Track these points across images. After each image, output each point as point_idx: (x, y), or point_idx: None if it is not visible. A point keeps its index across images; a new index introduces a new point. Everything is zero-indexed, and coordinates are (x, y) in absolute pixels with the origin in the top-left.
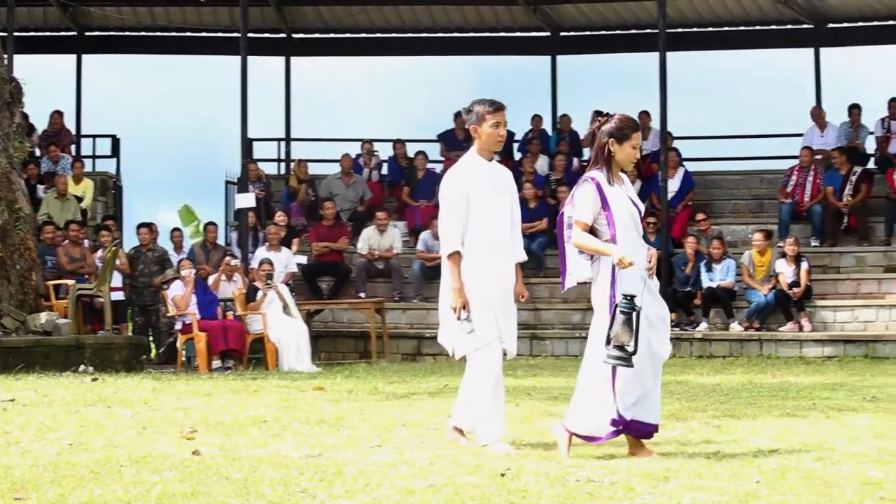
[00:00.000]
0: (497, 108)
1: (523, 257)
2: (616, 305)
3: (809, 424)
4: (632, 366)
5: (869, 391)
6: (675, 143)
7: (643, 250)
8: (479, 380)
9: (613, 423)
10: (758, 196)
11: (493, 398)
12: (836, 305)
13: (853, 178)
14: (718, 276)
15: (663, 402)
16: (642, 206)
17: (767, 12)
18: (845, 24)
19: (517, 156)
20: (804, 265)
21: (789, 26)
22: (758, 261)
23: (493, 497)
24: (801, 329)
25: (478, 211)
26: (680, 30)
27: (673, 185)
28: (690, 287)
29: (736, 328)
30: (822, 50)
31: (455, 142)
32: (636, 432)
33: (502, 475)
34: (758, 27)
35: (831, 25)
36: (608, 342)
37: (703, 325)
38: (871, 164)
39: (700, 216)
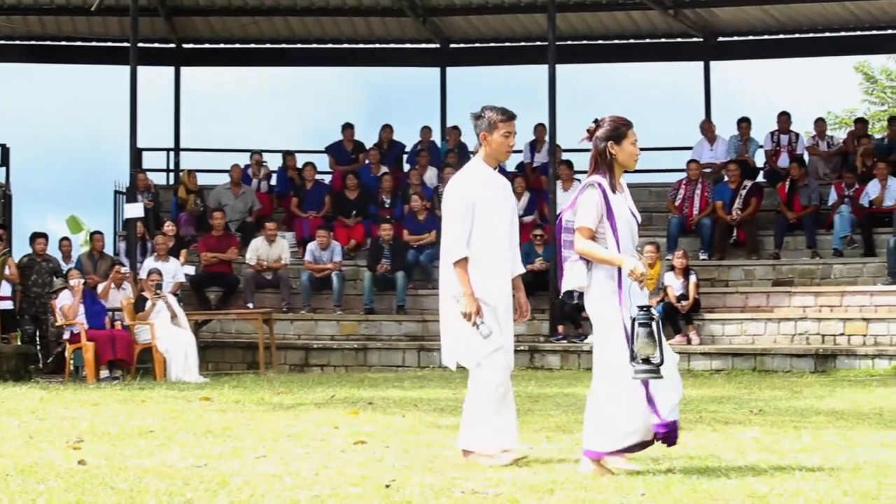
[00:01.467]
0: (510, 116)
1: (522, 270)
2: (634, 319)
3: (696, 437)
4: (661, 377)
5: (756, 404)
6: (566, 156)
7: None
8: (487, 389)
9: (656, 427)
10: (646, 209)
11: (499, 406)
12: (724, 319)
13: (743, 192)
14: None
15: (549, 415)
16: (639, 218)
17: (658, 25)
18: (735, 38)
19: (406, 167)
20: (692, 278)
21: (679, 39)
22: (648, 273)
23: None
24: (689, 342)
25: (482, 220)
26: (570, 42)
27: (566, 199)
28: (578, 299)
29: None
30: (713, 63)
31: (343, 154)
32: (674, 435)
33: (387, 486)
34: (648, 40)
35: (721, 39)
36: (633, 358)
37: (592, 338)
38: (760, 178)
39: None
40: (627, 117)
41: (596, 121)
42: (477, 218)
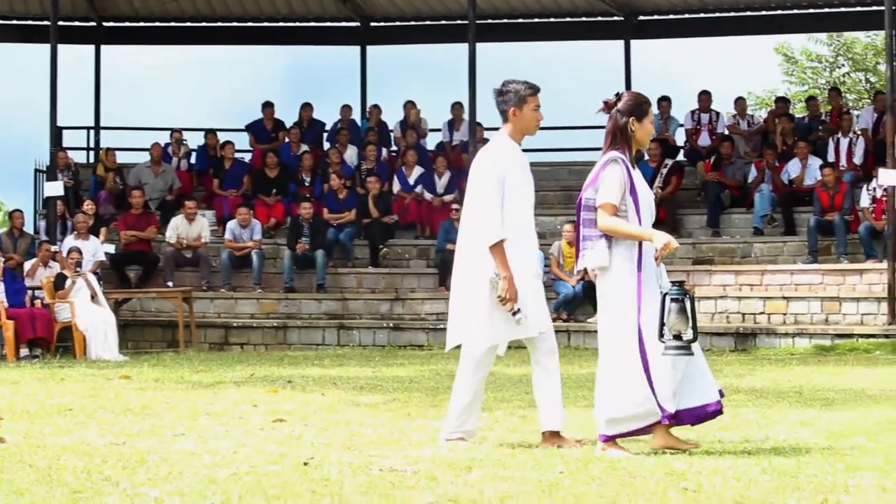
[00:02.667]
0: (536, 89)
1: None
2: (665, 294)
3: None
4: (692, 354)
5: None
6: (487, 135)
7: None
8: (470, 373)
9: (665, 416)
10: (567, 188)
11: (476, 391)
12: None
13: (663, 171)
14: None
15: None
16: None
17: (578, 4)
18: (656, 17)
19: (326, 146)
20: None
21: (600, 18)
22: (567, 252)
23: (296, 486)
24: None
25: (512, 197)
26: (490, 21)
27: None
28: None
29: None
30: (633, 42)
31: (263, 132)
32: (693, 419)
33: (305, 464)
34: (568, 19)
35: (642, 18)
36: (661, 335)
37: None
38: (680, 157)
39: None
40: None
41: (617, 94)
42: (505, 195)
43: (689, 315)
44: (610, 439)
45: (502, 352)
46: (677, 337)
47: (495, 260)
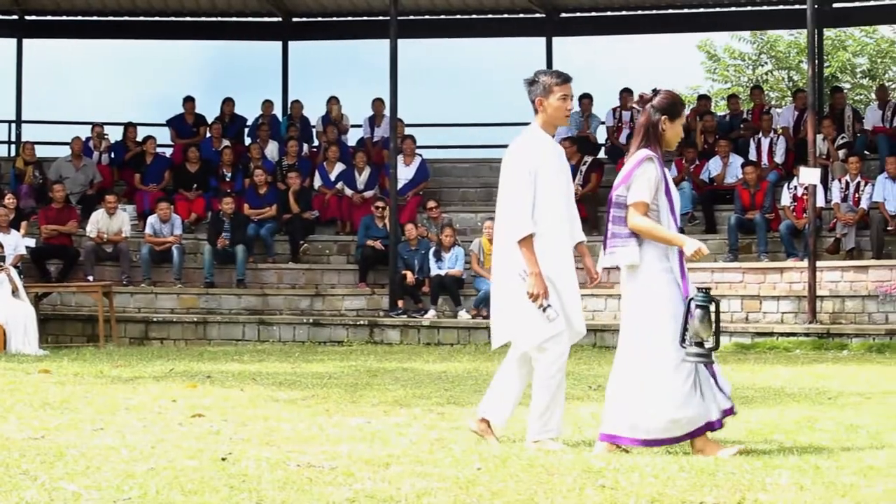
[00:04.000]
0: (565, 79)
1: (583, 237)
2: (690, 300)
3: None
4: (713, 362)
5: (595, 380)
6: (407, 131)
7: None
8: (549, 373)
9: (725, 413)
10: (488, 184)
11: (556, 392)
12: None
13: (583, 168)
14: (447, 264)
15: (387, 389)
16: None
17: (500, 1)
18: (578, 14)
19: (247, 140)
20: None
21: (522, 15)
22: (488, 249)
23: (213, 481)
24: None
25: (545, 189)
26: (412, 17)
27: (408, 173)
28: (419, 274)
29: (464, 316)
30: (555, 39)
31: (185, 127)
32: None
33: (223, 459)
34: (490, 16)
35: (564, 15)
36: (683, 340)
37: (431, 313)
38: (601, 154)
39: (431, 204)
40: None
41: (654, 90)
42: (538, 188)
43: (713, 323)
44: (619, 442)
45: (496, 345)
46: (699, 344)
47: (523, 256)
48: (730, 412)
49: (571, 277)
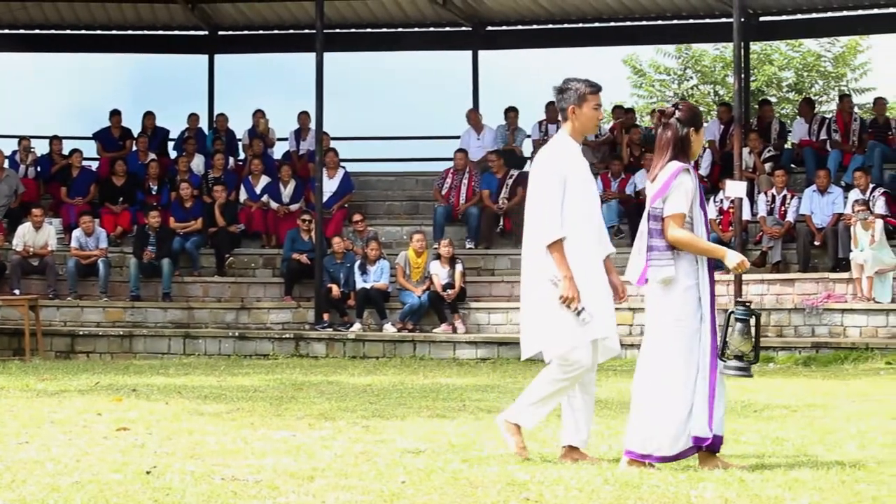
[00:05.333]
0: (598, 88)
1: (613, 249)
2: (731, 313)
3: (458, 426)
4: (751, 375)
5: (520, 393)
6: (333, 144)
7: None
8: (560, 377)
9: (698, 441)
10: (413, 198)
11: (557, 395)
12: (490, 307)
13: (509, 182)
14: (373, 278)
15: (312, 402)
16: None
17: (426, 14)
18: (504, 28)
19: (172, 154)
20: (458, 267)
21: (448, 28)
22: (414, 262)
23: (138, 494)
24: (454, 331)
25: (574, 197)
26: (338, 30)
27: (332, 186)
28: (344, 288)
29: (389, 329)
30: (481, 53)
31: (111, 140)
32: (716, 446)
33: (148, 473)
34: (417, 29)
35: (490, 28)
36: (722, 354)
37: (357, 326)
38: (527, 168)
39: (356, 217)
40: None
41: (675, 105)
42: (567, 195)
43: (753, 336)
44: (646, 460)
45: (526, 356)
46: (738, 357)
47: (554, 260)
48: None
49: (601, 286)
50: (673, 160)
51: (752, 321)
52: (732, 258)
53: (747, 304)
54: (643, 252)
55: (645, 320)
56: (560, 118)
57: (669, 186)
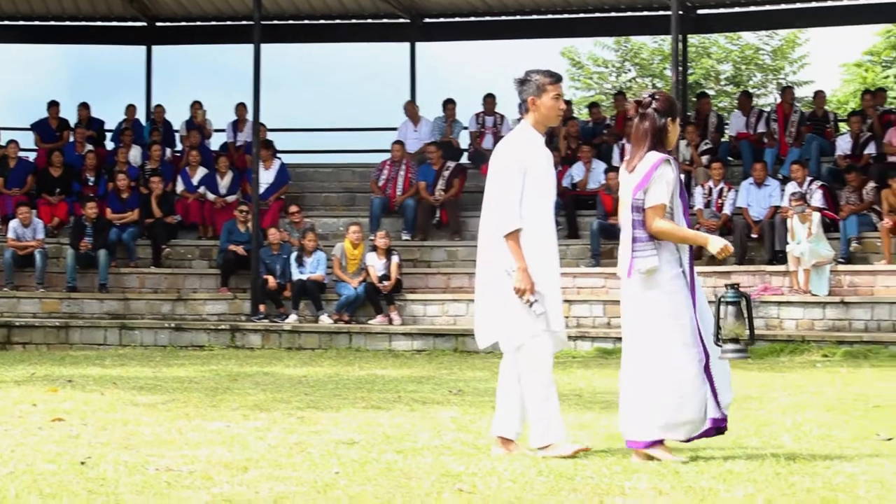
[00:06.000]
0: (557, 78)
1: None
2: (721, 298)
3: (393, 417)
4: (749, 356)
5: (455, 384)
6: (270, 135)
7: None
8: (535, 373)
9: (715, 421)
10: (349, 189)
11: (547, 392)
12: (426, 299)
13: (446, 174)
14: (309, 269)
15: (248, 393)
16: None
17: (364, 6)
18: (442, 20)
19: (110, 145)
20: (395, 259)
21: (386, 20)
22: (350, 253)
23: (72, 485)
24: (390, 322)
25: (534, 188)
26: (276, 22)
27: (268, 177)
28: (281, 279)
29: (325, 320)
30: (419, 45)
31: (49, 131)
32: (723, 428)
33: (82, 463)
34: (354, 21)
35: (428, 20)
36: (717, 339)
37: (293, 317)
38: (464, 160)
39: (293, 208)
40: None
41: (652, 95)
42: (527, 186)
43: (746, 317)
44: (656, 443)
45: (482, 346)
46: (734, 340)
47: (510, 250)
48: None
49: (555, 279)
50: (651, 150)
51: (743, 303)
52: (715, 244)
53: (736, 286)
54: (629, 244)
55: (626, 313)
56: (521, 110)
57: (651, 178)
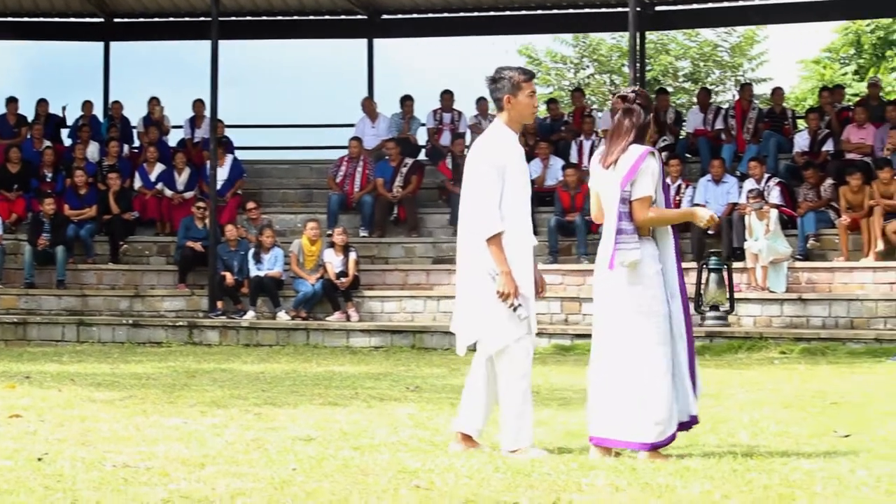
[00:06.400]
0: (531, 76)
1: (535, 241)
2: (704, 264)
3: (350, 413)
4: (729, 325)
5: (413, 381)
6: (228, 132)
7: None
8: (515, 376)
9: (688, 422)
10: (307, 185)
11: (524, 396)
12: (384, 296)
13: (403, 170)
14: (266, 266)
15: (205, 390)
16: None
17: (322, 3)
18: (399, 16)
19: (67, 141)
20: (352, 255)
21: (343, 17)
22: (308, 250)
23: (29, 481)
24: (348, 319)
25: (512, 188)
26: (234, 18)
27: (223, 173)
28: (238, 275)
29: (283, 317)
30: (376, 41)
31: (7, 128)
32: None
33: (39, 459)
34: (312, 17)
35: (385, 17)
36: (698, 307)
37: (251, 314)
38: (422, 156)
39: (250, 205)
40: None
41: (634, 91)
42: (505, 186)
43: (727, 286)
44: (659, 446)
45: (461, 352)
46: (714, 308)
47: (492, 254)
48: (693, 422)
49: (531, 281)
50: (633, 144)
51: (725, 272)
52: (703, 214)
53: (719, 253)
54: (612, 237)
55: (600, 308)
56: (495, 108)
57: (638, 170)
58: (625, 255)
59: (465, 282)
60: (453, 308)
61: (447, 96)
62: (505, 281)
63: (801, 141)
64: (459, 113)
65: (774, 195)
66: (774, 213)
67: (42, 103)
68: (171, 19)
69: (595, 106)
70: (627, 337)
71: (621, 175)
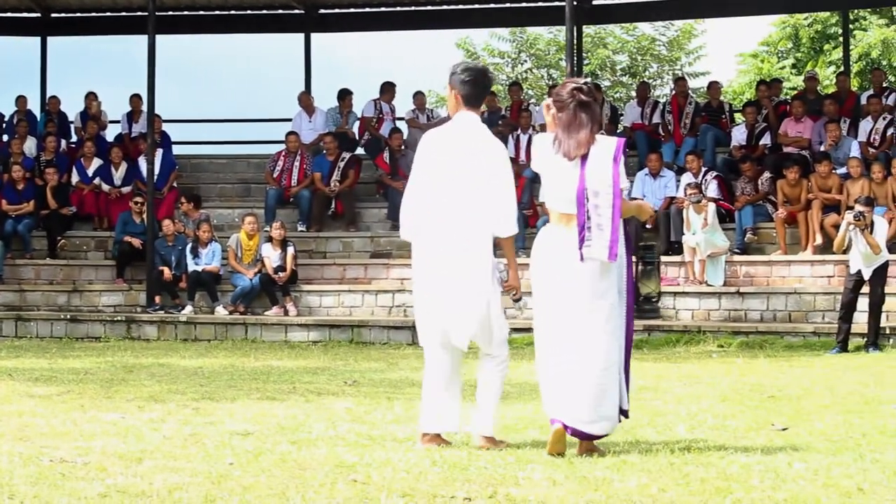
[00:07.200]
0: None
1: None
2: (639, 257)
3: (288, 408)
4: (659, 317)
5: (351, 375)
6: (165, 126)
7: None
8: (505, 364)
9: (624, 413)
10: (245, 180)
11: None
12: (321, 290)
13: (341, 164)
14: (204, 260)
15: (143, 385)
16: None
17: None
18: (336, 10)
19: (4, 137)
20: (290, 250)
21: (280, 11)
22: (246, 245)
23: None
24: (286, 313)
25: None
26: (171, 13)
27: (154, 168)
28: (176, 270)
29: (221, 312)
30: (313, 35)
31: None
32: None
33: None
34: (249, 11)
35: (323, 11)
36: (637, 299)
37: (189, 309)
38: (360, 151)
39: (184, 201)
40: None
41: (587, 83)
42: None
43: (657, 277)
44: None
45: (464, 345)
46: (648, 299)
47: (506, 249)
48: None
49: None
50: (599, 135)
51: (656, 263)
52: (648, 209)
53: (651, 247)
54: (605, 228)
55: (569, 296)
56: (472, 102)
57: (619, 161)
58: (596, 252)
59: (464, 275)
60: (440, 301)
61: (388, 87)
62: (515, 275)
63: (739, 135)
64: (392, 106)
65: (712, 189)
66: (712, 206)
67: None
68: (109, 14)
69: (533, 100)
70: (605, 327)
71: (606, 168)
